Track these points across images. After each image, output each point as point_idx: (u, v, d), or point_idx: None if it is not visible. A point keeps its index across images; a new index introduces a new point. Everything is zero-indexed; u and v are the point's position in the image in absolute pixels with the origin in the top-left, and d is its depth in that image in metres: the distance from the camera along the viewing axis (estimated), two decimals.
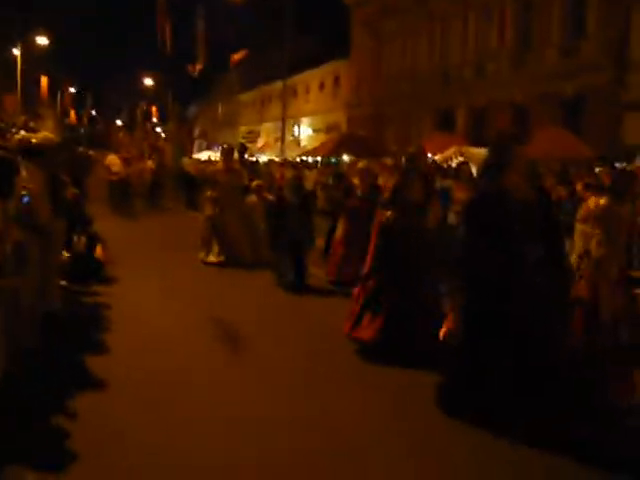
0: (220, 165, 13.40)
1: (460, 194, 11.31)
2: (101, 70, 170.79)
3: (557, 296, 5.40)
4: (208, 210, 12.89)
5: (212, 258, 12.51)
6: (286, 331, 8.09)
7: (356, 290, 7.34)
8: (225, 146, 14.30)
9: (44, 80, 69.19)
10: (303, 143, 51.12)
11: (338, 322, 7.51)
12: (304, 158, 34.89)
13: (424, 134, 35.62)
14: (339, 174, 14.44)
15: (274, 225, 10.87)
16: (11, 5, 61.39)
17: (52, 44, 63.71)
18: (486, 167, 5.59)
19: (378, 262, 7.15)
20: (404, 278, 6.95)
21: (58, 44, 70.03)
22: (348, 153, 31.07)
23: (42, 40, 59.66)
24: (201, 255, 12.67)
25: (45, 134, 8.75)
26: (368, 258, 7.31)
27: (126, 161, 23.01)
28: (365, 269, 7.30)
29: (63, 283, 9.32)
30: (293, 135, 52.11)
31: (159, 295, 9.69)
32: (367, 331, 6.92)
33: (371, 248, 7.33)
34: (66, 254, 9.74)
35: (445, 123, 35.34)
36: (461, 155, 22.98)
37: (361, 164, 12.59)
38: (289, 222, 10.50)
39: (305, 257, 10.64)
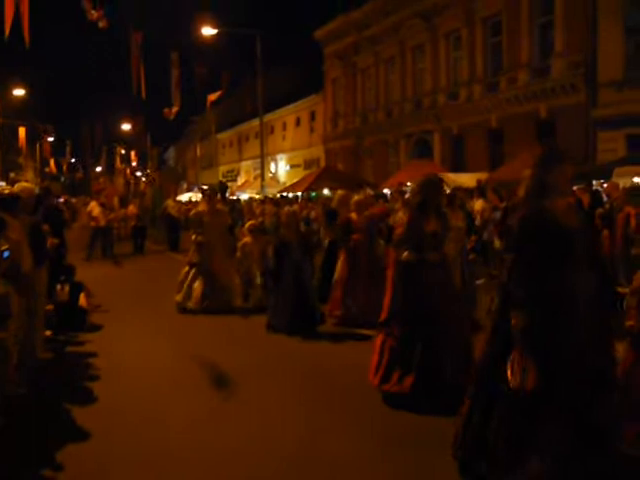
0: (204, 206, 12.83)
1: (456, 222, 10.56)
2: (78, 118, 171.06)
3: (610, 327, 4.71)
4: (194, 255, 12.22)
5: (191, 304, 11.80)
6: (285, 375, 7.72)
7: (378, 339, 6.75)
8: (206, 187, 14.35)
9: (22, 131, 69.32)
10: (283, 179, 51.32)
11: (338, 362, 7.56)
12: (284, 194, 35.02)
13: (402, 163, 35.93)
14: (330, 210, 13.67)
15: (274, 266, 10.08)
16: None
17: (29, 95, 63.80)
18: (531, 188, 4.79)
19: (399, 306, 6.62)
20: (429, 323, 6.40)
21: (35, 94, 70.23)
22: (328, 187, 31.25)
23: (19, 92, 59.78)
24: (178, 298, 11.99)
25: (22, 185, 8.77)
26: (386, 301, 6.79)
27: (104, 207, 22.84)
28: (384, 313, 6.77)
29: (48, 333, 9.28)
30: (272, 172, 52.30)
31: (145, 341, 9.61)
32: (399, 386, 6.36)
33: (388, 290, 6.80)
34: (49, 305, 9.67)
35: (422, 150, 35.61)
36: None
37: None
38: (291, 262, 9.88)
39: (312, 297, 10.04)
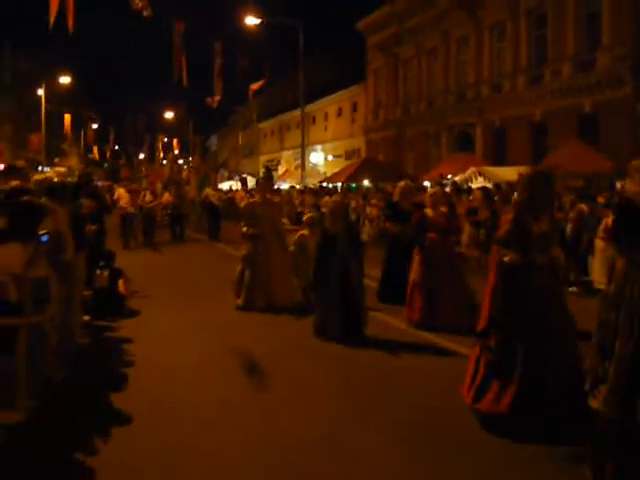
0: (257, 197, 11.90)
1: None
2: (122, 105, 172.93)
3: None
4: (247, 249, 11.23)
5: (257, 304, 10.83)
6: (339, 388, 6.92)
7: (475, 350, 6.09)
8: (244, 175, 13.77)
9: (67, 118, 70.38)
10: (323, 170, 51.33)
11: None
12: (324, 184, 35.07)
13: (443, 155, 35.73)
14: (391, 203, 12.50)
15: (319, 260, 9.04)
16: (34, 46, 62.72)
17: (74, 82, 64.69)
18: None
19: (501, 314, 5.86)
20: (534, 334, 5.65)
21: (80, 82, 71.16)
22: (368, 178, 31.22)
23: (65, 79, 60.62)
24: (238, 302, 11.01)
25: (58, 170, 8.90)
26: (485, 307, 6.08)
27: (134, 193, 22.69)
28: (482, 322, 6.06)
29: (86, 318, 9.42)
30: (312, 162, 52.33)
31: (182, 329, 9.65)
32: (495, 406, 5.64)
33: (488, 295, 6.07)
34: (87, 290, 9.80)
35: (463, 143, 35.36)
36: (480, 175, 22.99)
37: (402, 183, 12.08)
38: (337, 258, 8.80)
39: (360, 299, 8.92)
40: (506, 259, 5.85)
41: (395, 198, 12.22)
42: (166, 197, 25.29)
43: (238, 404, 6.34)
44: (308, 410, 6.18)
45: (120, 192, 22.41)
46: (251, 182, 38.92)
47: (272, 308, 10.67)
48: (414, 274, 9.76)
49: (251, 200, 11.98)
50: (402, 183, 12.38)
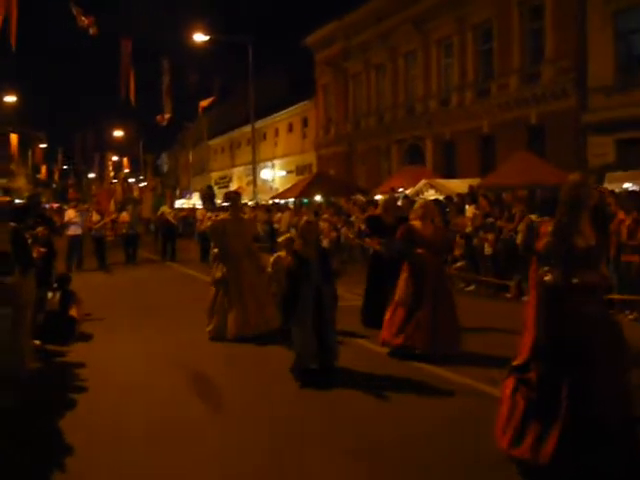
0: (227, 214, 10.84)
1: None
2: (70, 125, 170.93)
3: None
4: (217, 272, 10.42)
5: (229, 334, 9.96)
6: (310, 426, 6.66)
7: (508, 385, 5.21)
8: (232, 191, 11.84)
9: (14, 137, 69.26)
10: (275, 185, 51.33)
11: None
12: (277, 200, 35.04)
13: (394, 169, 35.98)
14: (373, 217, 11.51)
15: (291, 287, 7.92)
16: None
17: (20, 102, 63.77)
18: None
19: (542, 343, 5.01)
20: (582, 365, 4.85)
21: (26, 101, 70.30)
22: (320, 193, 31.28)
23: (10, 98, 59.74)
24: (209, 328, 10.19)
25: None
26: (526, 339, 5.17)
27: (84, 214, 22.07)
28: (523, 353, 5.14)
29: (37, 342, 9.23)
30: (264, 178, 52.29)
31: (137, 353, 9.50)
32: (534, 453, 4.80)
33: (530, 320, 5.17)
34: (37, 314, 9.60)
35: (414, 156, 35.65)
36: (432, 187, 23.22)
37: (384, 196, 11.26)
38: (310, 285, 7.78)
39: (332, 331, 7.97)
40: (547, 279, 5.04)
41: (378, 211, 11.31)
42: (123, 217, 24.13)
43: (194, 426, 6.26)
44: (261, 432, 6.13)
45: (69, 213, 21.66)
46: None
47: (244, 338, 9.78)
48: (399, 292, 8.84)
49: (220, 217, 10.92)
50: (385, 196, 11.90)
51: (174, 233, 24.65)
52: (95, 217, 22.35)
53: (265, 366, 8.62)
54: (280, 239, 10.93)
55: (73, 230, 20.64)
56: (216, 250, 10.60)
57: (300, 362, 7.78)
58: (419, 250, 8.79)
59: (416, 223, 9.05)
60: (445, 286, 9.15)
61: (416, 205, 9.61)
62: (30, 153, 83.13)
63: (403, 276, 8.89)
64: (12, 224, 7.84)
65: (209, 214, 21.46)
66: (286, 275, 8.19)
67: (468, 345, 8.66)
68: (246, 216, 12.18)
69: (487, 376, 7.23)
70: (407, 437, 5.83)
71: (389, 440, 5.77)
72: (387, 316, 8.96)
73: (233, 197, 11.21)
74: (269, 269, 10.41)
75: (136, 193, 35.42)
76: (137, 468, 5.31)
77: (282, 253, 10.20)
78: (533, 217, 13.92)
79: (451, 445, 5.60)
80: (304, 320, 7.75)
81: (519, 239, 13.86)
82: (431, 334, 8.40)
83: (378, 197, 25.02)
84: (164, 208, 26.60)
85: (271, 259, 10.50)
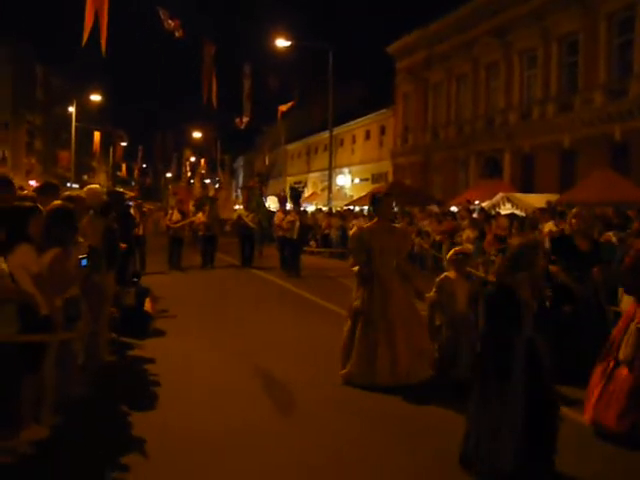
0: (374, 221, 8.32)
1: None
2: (151, 124, 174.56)
3: None
4: (358, 297, 7.99)
5: (379, 379, 7.56)
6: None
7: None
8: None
9: (97, 135, 71.27)
10: (350, 192, 51.34)
11: None
12: (351, 207, 35.07)
13: (471, 181, 35.60)
14: (562, 237, 9.08)
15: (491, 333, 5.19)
16: (66, 64, 63.75)
17: (105, 100, 65.61)
18: None
19: None
20: None
21: (111, 101, 72.33)
22: (394, 202, 31.10)
23: (96, 97, 61.54)
24: (344, 371, 7.86)
25: (91, 187, 8.93)
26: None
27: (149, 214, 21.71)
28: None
29: (113, 336, 9.43)
30: (339, 185, 52.37)
31: (207, 352, 9.55)
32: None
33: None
34: (114, 308, 9.82)
35: (491, 169, 35.21)
36: (508, 202, 22.88)
37: (575, 210, 8.54)
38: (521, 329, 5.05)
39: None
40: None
41: (566, 229, 8.71)
42: (199, 217, 23.03)
43: (256, 432, 6.24)
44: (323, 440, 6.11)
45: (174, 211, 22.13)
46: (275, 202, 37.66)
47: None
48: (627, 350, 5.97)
49: (364, 226, 8.54)
50: (575, 209, 8.63)
51: (252, 237, 22.79)
52: (176, 216, 21.55)
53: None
54: (449, 254, 8.39)
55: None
56: (356, 268, 8.17)
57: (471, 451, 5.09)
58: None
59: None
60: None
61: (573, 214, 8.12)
62: (111, 151, 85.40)
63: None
64: (105, 220, 8.04)
65: (288, 217, 21.44)
66: (488, 310, 5.41)
67: None
68: (398, 225, 9.54)
69: None
70: None
71: None
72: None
73: (382, 198, 8.45)
74: (431, 293, 7.97)
75: (212, 193, 35.46)
76: (206, 470, 5.35)
77: (450, 273, 8.06)
78: (611, 235, 13.57)
79: None
80: (507, 390, 4.91)
81: None
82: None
83: (453, 209, 24.78)
84: (240, 210, 25.21)
85: (437, 280, 8.06)
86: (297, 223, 20.73)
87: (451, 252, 8.30)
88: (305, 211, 32.30)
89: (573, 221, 8.33)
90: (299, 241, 21.07)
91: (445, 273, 8.17)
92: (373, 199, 8.50)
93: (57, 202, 6.31)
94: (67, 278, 5.95)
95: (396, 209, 30.70)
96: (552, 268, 8.10)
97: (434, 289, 7.90)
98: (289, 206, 27.03)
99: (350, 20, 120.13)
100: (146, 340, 9.95)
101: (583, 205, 18.79)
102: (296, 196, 22.20)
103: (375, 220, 8.25)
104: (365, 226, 8.45)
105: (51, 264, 5.67)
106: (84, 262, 6.43)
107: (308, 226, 26.97)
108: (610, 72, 27.39)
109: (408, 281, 8.12)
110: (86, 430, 6.10)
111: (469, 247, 10.49)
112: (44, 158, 62.25)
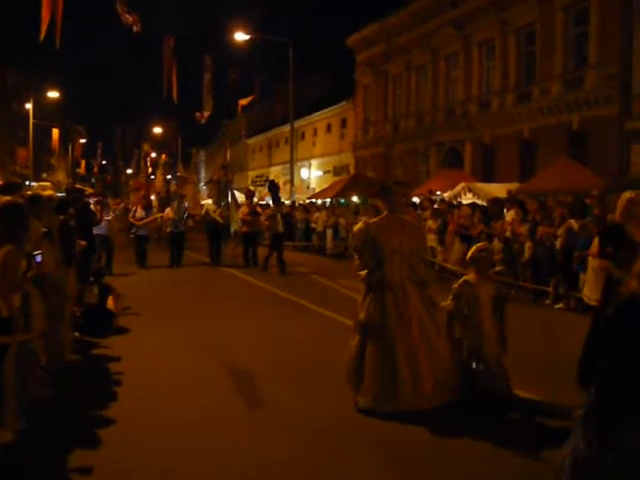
0: (382, 216, 7.15)
1: None
2: (110, 120, 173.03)
3: None
4: (363, 309, 6.81)
5: (401, 403, 6.46)
6: None
7: None
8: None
9: (55, 132, 70.34)
10: (312, 185, 51.36)
11: None
12: (313, 200, 35.07)
13: (432, 171, 35.80)
14: (611, 226, 7.91)
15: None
16: (22, 60, 62.92)
17: (62, 97, 64.78)
18: None
19: None
20: None
21: (68, 97, 71.50)
22: (357, 194, 31.24)
23: (53, 94, 60.76)
24: (360, 401, 6.61)
25: (48, 185, 8.83)
26: None
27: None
28: None
29: (76, 335, 9.32)
30: (302, 178, 52.34)
31: (172, 348, 9.51)
32: None
33: None
34: (75, 306, 9.70)
35: (452, 159, 35.44)
36: (470, 191, 23.05)
37: (627, 195, 7.04)
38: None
39: None
40: None
41: (617, 218, 7.31)
42: (167, 213, 21.76)
43: (228, 423, 6.26)
44: (301, 434, 6.11)
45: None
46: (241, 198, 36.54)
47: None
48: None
49: (372, 221, 7.20)
50: (627, 194, 7.16)
51: (219, 233, 21.80)
52: (139, 213, 20.60)
53: (320, 371, 8.46)
54: (471, 251, 7.27)
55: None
56: (363, 273, 6.94)
57: None
58: None
59: None
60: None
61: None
62: (70, 147, 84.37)
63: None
64: (60, 217, 7.93)
65: (267, 210, 20.89)
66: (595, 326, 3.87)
67: None
68: (408, 217, 8.20)
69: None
70: None
71: None
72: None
73: (391, 187, 7.16)
74: (447, 302, 6.98)
75: (173, 188, 34.94)
76: (167, 462, 5.33)
77: (470, 276, 7.05)
78: (573, 222, 13.77)
79: None
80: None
81: (558, 243, 13.74)
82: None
83: (415, 199, 24.87)
84: (208, 205, 23.90)
85: (454, 286, 7.10)
86: (278, 216, 20.28)
87: (473, 249, 7.25)
88: (283, 203, 30.60)
89: (626, 208, 7.05)
90: (283, 234, 20.33)
91: (464, 277, 7.13)
92: (381, 189, 7.32)
93: (6, 198, 6.18)
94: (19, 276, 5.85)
95: (357, 199, 30.81)
96: (602, 263, 7.11)
97: (451, 296, 6.92)
98: (268, 200, 26.24)
99: (311, 13, 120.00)
100: (109, 338, 9.85)
101: (544, 194, 19.09)
102: (275, 189, 21.51)
103: (384, 214, 7.06)
104: (371, 221, 7.17)
105: (3, 263, 5.55)
106: (38, 258, 6.34)
107: (290, 218, 26.66)
108: (567, 62, 27.68)
109: (424, 286, 6.94)
110: (51, 432, 6.02)
111: (485, 243, 9.35)
112: (1, 156, 61.23)
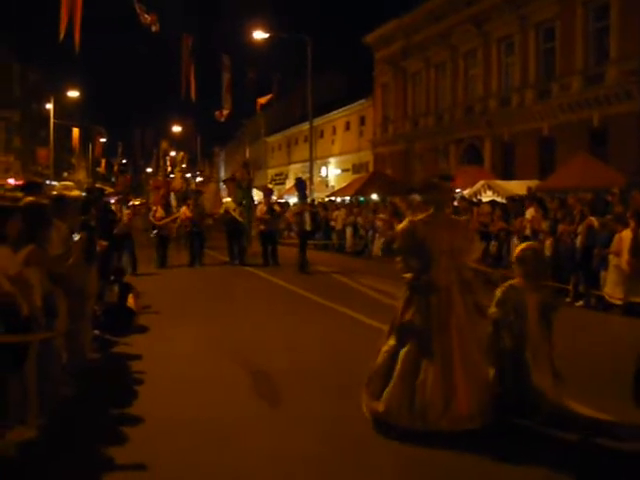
0: (427, 214, 6.40)
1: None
2: (130, 119, 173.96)
3: None
4: (408, 312, 6.15)
5: (432, 422, 5.74)
6: None
7: None
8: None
9: (75, 132, 70.73)
10: (331, 183, 51.36)
11: None
12: (332, 198, 35.07)
13: (451, 169, 35.68)
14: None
15: None
16: (43, 60, 63.36)
17: (83, 97, 65.16)
18: None
19: None
20: None
21: (89, 97, 71.98)
22: (376, 192, 31.21)
23: (73, 93, 61.10)
24: (376, 406, 6.03)
25: (71, 185, 8.91)
26: None
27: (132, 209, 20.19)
28: None
29: (96, 333, 9.40)
30: (321, 176, 52.34)
31: (193, 346, 9.53)
32: None
33: None
34: (96, 305, 9.78)
35: (472, 156, 35.31)
36: (489, 189, 22.97)
37: None
38: None
39: None
40: None
41: None
42: (184, 212, 21.39)
43: (248, 422, 6.26)
44: (319, 429, 6.12)
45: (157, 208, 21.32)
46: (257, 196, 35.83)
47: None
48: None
49: (416, 219, 6.43)
50: None
51: (240, 232, 21.19)
52: (160, 212, 20.74)
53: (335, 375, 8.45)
54: (516, 250, 6.64)
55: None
56: (409, 276, 6.32)
57: None
58: None
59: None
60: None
61: None
62: (91, 147, 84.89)
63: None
64: (82, 217, 8.00)
65: (294, 208, 20.69)
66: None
67: None
68: (462, 218, 7.82)
69: None
70: None
71: None
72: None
73: (439, 183, 6.47)
74: (492, 309, 6.29)
75: (193, 187, 34.84)
76: (190, 461, 5.35)
77: (515, 280, 6.39)
78: (593, 219, 13.67)
79: None
80: None
81: (578, 241, 13.64)
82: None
83: None
84: (228, 203, 22.94)
85: (497, 291, 6.37)
86: (306, 214, 20.07)
87: (519, 248, 6.59)
88: (313, 201, 30.55)
89: None
90: (311, 232, 20.28)
91: (509, 281, 6.43)
92: (426, 185, 6.67)
93: (29, 198, 6.24)
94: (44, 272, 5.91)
95: (376, 197, 30.74)
96: None
97: (494, 303, 6.26)
98: (287, 198, 26.03)
99: (329, 11, 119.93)
100: (130, 337, 9.91)
101: (564, 191, 18.96)
102: (301, 186, 21.14)
103: (430, 211, 6.38)
104: (417, 219, 6.40)
105: (25, 262, 5.61)
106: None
107: (318, 216, 26.58)
108: (587, 58, 27.50)
109: (470, 292, 6.22)
110: (73, 430, 6.07)
111: (533, 242, 8.51)
112: (22, 155, 61.67)
